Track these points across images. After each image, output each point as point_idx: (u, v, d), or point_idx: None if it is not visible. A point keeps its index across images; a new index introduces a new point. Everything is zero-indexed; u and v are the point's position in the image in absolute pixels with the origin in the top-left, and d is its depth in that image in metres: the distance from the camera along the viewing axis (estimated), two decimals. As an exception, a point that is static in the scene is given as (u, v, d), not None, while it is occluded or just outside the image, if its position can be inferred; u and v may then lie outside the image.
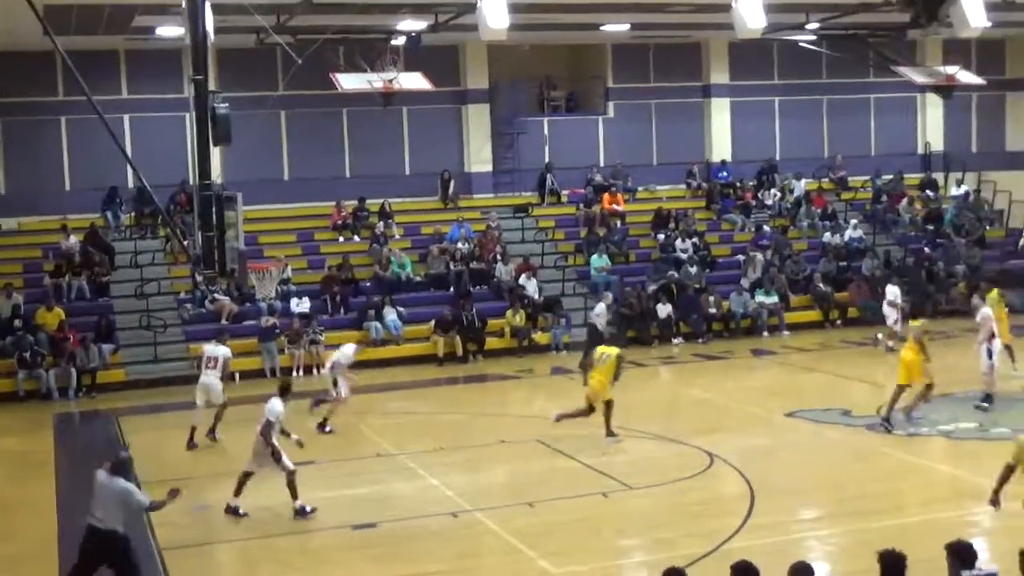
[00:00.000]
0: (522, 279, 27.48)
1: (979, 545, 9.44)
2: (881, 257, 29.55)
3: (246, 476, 14.17)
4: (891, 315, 24.42)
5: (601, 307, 25.12)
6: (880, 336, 24.74)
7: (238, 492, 14.17)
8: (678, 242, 29.21)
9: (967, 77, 26.82)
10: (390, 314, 25.93)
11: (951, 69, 25.73)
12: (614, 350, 17.80)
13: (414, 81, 24.49)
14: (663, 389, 22.69)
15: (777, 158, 33.24)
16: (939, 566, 8.88)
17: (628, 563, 12.65)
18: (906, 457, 16.15)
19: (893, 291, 25.01)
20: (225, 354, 18.77)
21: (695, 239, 29.52)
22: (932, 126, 34.54)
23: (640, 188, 32.05)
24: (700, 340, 26.46)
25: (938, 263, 29.57)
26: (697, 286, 27.64)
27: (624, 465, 16.00)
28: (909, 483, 15.07)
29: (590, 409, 17.34)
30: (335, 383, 18.98)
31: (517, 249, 29.02)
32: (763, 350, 25.46)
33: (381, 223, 28.95)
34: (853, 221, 31.24)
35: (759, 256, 28.76)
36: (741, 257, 29.18)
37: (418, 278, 27.76)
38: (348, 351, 19.52)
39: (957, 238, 31.11)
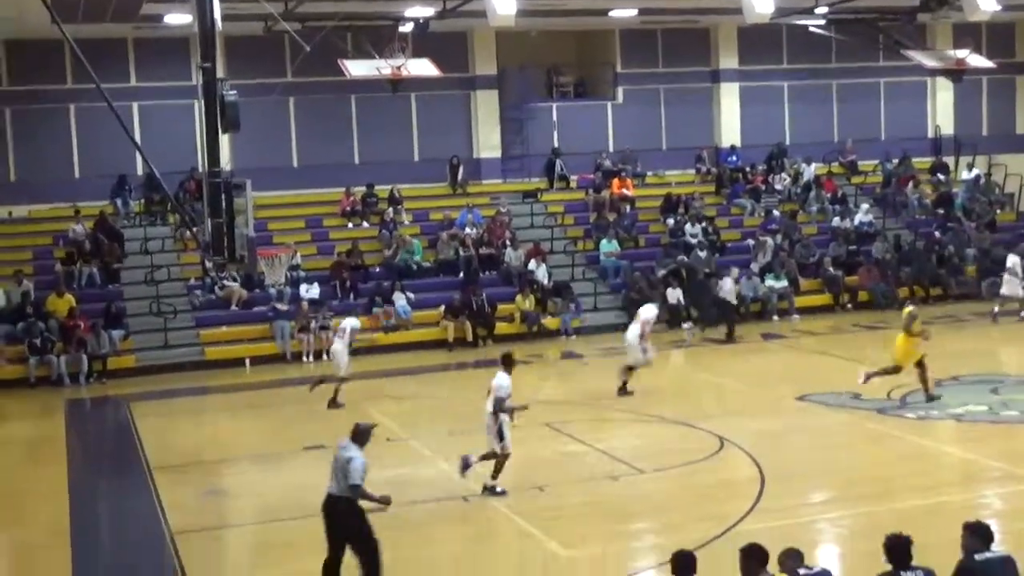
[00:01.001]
0: (531, 264, 27.48)
1: (993, 526, 9.46)
2: (891, 241, 29.49)
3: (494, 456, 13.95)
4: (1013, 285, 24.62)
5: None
6: (996, 309, 24.87)
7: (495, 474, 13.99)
8: (687, 227, 29.17)
9: (977, 61, 26.73)
10: (400, 300, 25.96)
11: (961, 53, 25.67)
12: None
13: (422, 67, 24.51)
14: (672, 373, 22.66)
15: (787, 143, 33.17)
16: (947, 550, 8.91)
17: (638, 546, 12.65)
18: (916, 440, 16.13)
19: (1013, 259, 25.25)
20: (352, 325, 19.43)
21: (704, 224, 29.49)
22: (942, 110, 34.43)
23: (649, 173, 32.00)
24: (709, 326, 26.33)
25: (948, 247, 29.49)
26: (707, 271, 27.59)
27: (634, 449, 16.02)
28: (918, 466, 15.02)
29: (897, 368, 17.81)
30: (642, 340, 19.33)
31: (526, 234, 29.02)
32: (773, 334, 25.43)
33: (390, 209, 28.96)
34: (863, 205, 31.17)
35: (769, 240, 28.73)
36: (751, 242, 29.14)
37: (427, 264, 27.79)
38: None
39: (967, 222, 31.03)
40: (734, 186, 31.85)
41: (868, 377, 18.00)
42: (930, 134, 34.48)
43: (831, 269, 28.23)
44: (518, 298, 26.38)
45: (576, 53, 33.53)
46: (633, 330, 19.72)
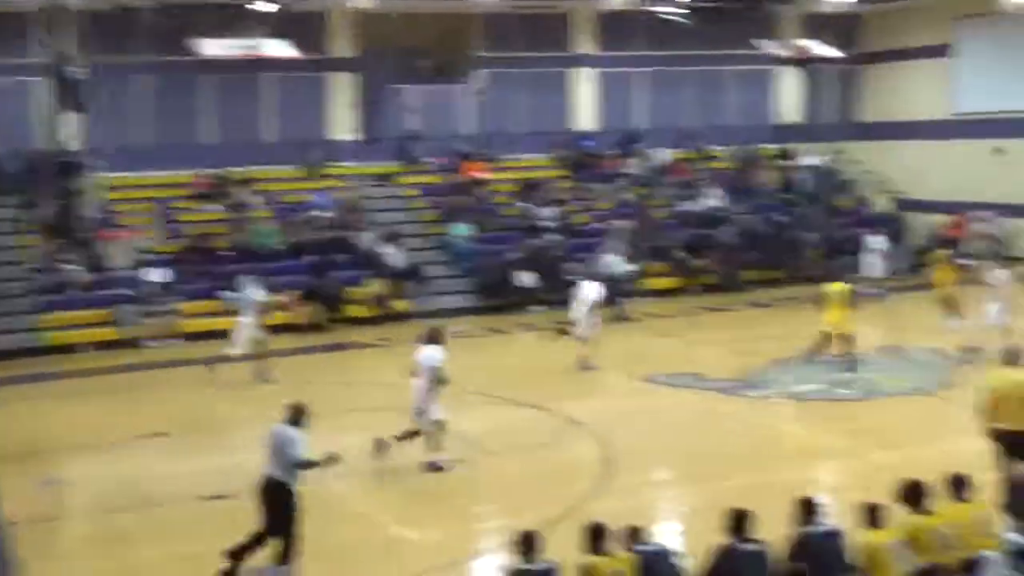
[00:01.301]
0: (384, 247, 27.30)
1: (825, 500, 9.79)
2: (738, 225, 30.14)
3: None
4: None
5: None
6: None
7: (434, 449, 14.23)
8: (541, 210, 29.35)
9: (822, 50, 27.53)
10: (250, 283, 25.48)
11: (807, 42, 26.33)
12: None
13: (278, 48, 24.15)
14: (522, 355, 22.78)
15: (640, 128, 33.60)
16: (783, 523, 9.19)
17: (483, 527, 12.74)
18: (756, 418, 16.58)
19: (876, 240, 26.66)
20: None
21: (559, 208, 29.71)
22: (788, 97, 35.29)
23: (505, 157, 32.08)
24: (560, 308, 26.55)
25: (792, 230, 30.29)
26: (559, 254, 27.79)
27: (481, 431, 16.05)
28: (758, 444, 15.44)
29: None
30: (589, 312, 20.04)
31: (380, 217, 28.81)
32: (623, 317, 25.74)
33: (242, 191, 28.44)
34: (712, 190, 31.76)
35: (621, 225, 29.07)
36: (603, 226, 29.46)
37: (280, 247, 27.37)
38: (597, 287, 20.51)
39: (811, 206, 31.89)
40: (588, 171, 32.15)
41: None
42: (776, 121, 35.32)
43: (680, 253, 28.73)
44: (370, 281, 26.21)
45: (436, 37, 33.37)
46: (580, 308, 20.35)
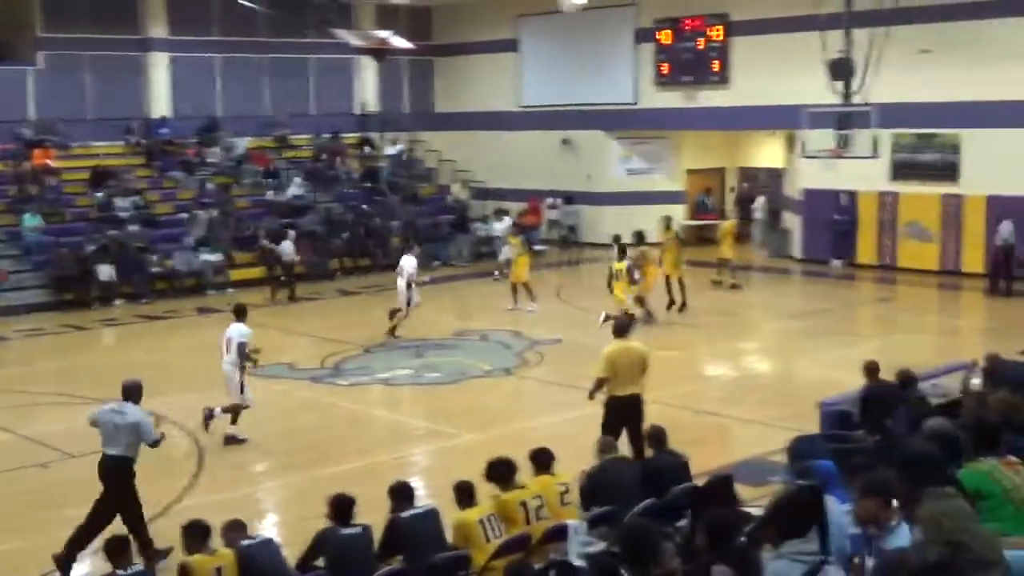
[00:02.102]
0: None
1: (416, 483, 10.11)
2: (323, 213, 30.36)
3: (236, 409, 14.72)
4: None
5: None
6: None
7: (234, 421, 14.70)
8: (118, 200, 28.19)
9: (398, 42, 28.20)
10: None
11: (384, 34, 26.89)
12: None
13: None
14: (106, 353, 21.87)
15: (219, 115, 33.01)
16: (383, 506, 9.42)
17: (71, 534, 12.11)
18: (349, 405, 16.82)
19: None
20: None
21: (136, 197, 28.66)
22: (367, 87, 35.89)
23: (75, 144, 30.46)
24: (144, 300, 25.78)
25: (376, 219, 30.89)
26: (140, 245, 26.85)
27: (63, 434, 15.23)
28: (352, 430, 15.70)
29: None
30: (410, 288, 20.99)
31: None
32: (209, 308, 25.28)
33: None
34: (295, 179, 31.77)
35: (202, 214, 28.50)
36: (185, 215, 28.75)
37: None
38: (413, 261, 21.42)
39: (392, 195, 32.65)
40: (166, 159, 31.21)
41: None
42: (357, 110, 35.83)
43: (265, 242, 28.54)
44: (-71, 278, 24.21)
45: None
46: (400, 282, 21.23)
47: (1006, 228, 24.61)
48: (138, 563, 8.36)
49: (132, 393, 11.28)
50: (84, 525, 10.78)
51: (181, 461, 14.03)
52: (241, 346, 14.58)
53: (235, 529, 9.14)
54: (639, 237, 22.37)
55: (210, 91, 33.07)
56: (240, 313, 15.13)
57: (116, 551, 8.50)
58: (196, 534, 8.78)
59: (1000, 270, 24.61)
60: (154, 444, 11.15)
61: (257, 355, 14.96)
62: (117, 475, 10.95)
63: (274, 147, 33.69)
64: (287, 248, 26.64)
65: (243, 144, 32.47)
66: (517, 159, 34.69)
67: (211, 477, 13.42)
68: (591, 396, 12.54)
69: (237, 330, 14.77)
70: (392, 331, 21.10)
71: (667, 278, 22.89)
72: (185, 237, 27.89)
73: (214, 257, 27.39)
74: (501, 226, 30.21)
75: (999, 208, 25.21)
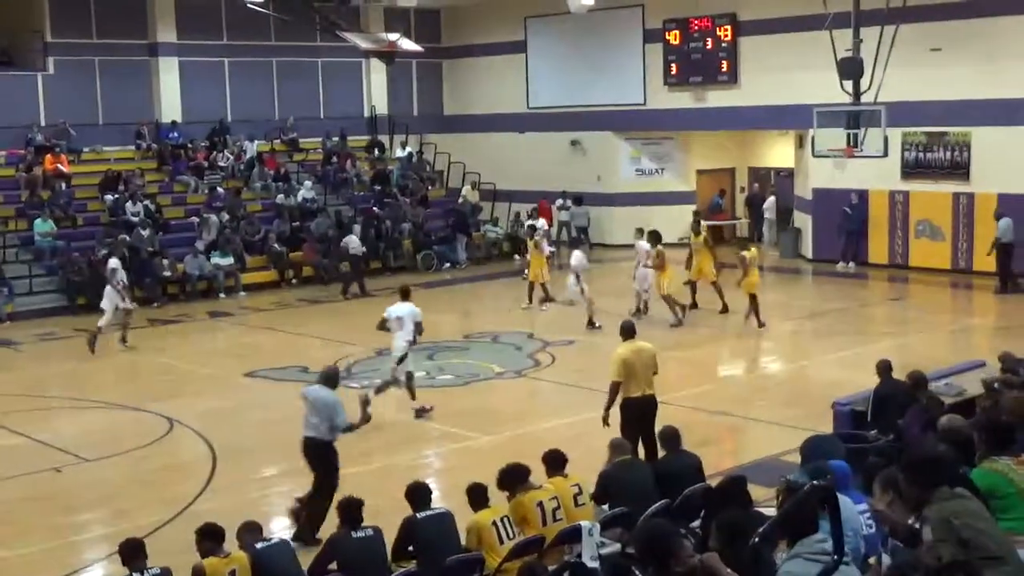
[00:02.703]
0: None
1: (431, 485, 10.13)
2: (333, 217, 30.40)
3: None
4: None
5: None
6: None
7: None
8: (128, 204, 28.27)
9: (407, 44, 28.19)
10: None
11: (392, 36, 26.89)
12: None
13: None
14: (118, 356, 21.92)
15: (229, 119, 33.08)
16: (397, 508, 9.45)
17: (85, 538, 12.17)
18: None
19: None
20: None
21: (146, 202, 28.74)
22: (377, 90, 35.92)
23: (86, 149, 30.60)
24: (155, 304, 25.82)
25: (386, 221, 30.91)
26: (151, 249, 26.92)
27: (78, 437, 15.35)
28: (366, 432, 15.52)
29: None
30: (577, 280, 22.09)
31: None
32: (220, 312, 25.35)
33: None
34: (306, 182, 31.84)
35: (213, 218, 28.56)
36: (195, 219, 28.82)
37: None
38: (581, 255, 22.53)
39: (403, 197, 32.68)
40: (176, 163, 31.28)
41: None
42: (366, 113, 35.86)
43: (276, 245, 28.61)
44: (-58, 284, 24.28)
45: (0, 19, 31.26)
46: (570, 279, 22.42)
47: (1004, 225, 24.57)
48: (154, 567, 8.37)
49: (330, 380, 12.02)
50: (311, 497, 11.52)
51: (195, 465, 14.07)
52: (418, 324, 15.80)
53: (250, 531, 9.16)
54: (655, 238, 22.28)
55: (219, 95, 33.13)
56: (406, 294, 16.31)
57: (130, 554, 8.51)
58: (210, 537, 8.80)
59: (1003, 268, 24.57)
60: (347, 429, 11.79)
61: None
62: (314, 454, 11.68)
63: (284, 150, 33.75)
64: (353, 242, 27.15)
65: (253, 148, 32.54)
66: (526, 161, 34.69)
67: (223, 481, 13.44)
68: (607, 412, 12.40)
69: (408, 308, 15.86)
70: (590, 322, 21.54)
71: (694, 283, 22.79)
72: (196, 241, 27.95)
73: (225, 261, 27.44)
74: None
75: (1005, 206, 25.12)
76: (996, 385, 11.53)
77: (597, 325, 21.31)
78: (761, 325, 21.06)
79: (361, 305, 25.84)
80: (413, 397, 15.91)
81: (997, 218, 24.84)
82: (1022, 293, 24.05)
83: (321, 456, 11.60)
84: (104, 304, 20.75)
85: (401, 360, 15.75)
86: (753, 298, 21.13)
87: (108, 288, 20.84)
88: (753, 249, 21.96)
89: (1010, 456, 7.03)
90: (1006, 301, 23.78)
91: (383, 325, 15.95)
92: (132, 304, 21.47)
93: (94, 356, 20.29)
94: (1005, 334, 19.59)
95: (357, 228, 28.07)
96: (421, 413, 15.84)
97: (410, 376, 15.97)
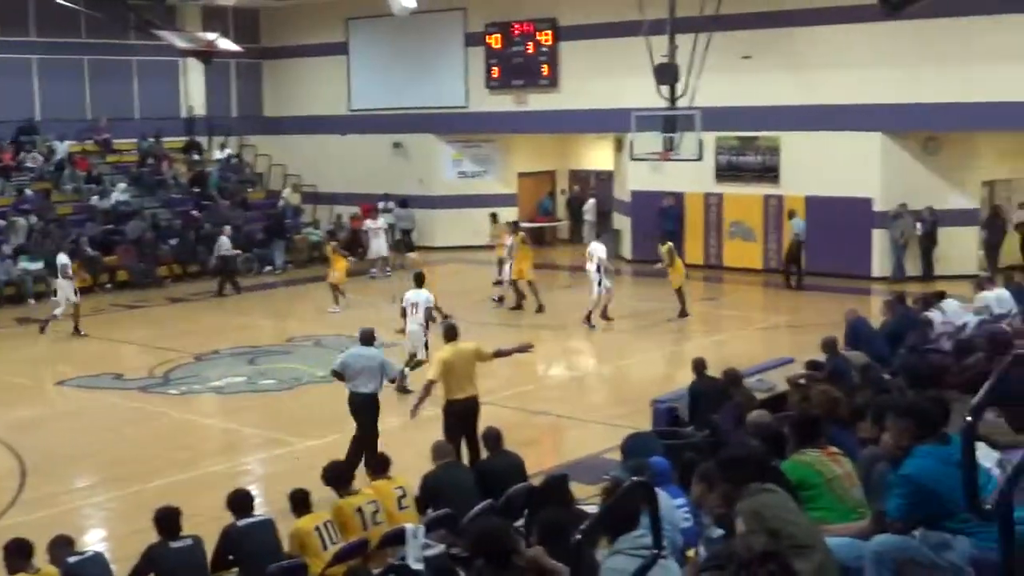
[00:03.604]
0: None
1: (253, 492, 9.97)
2: (149, 220, 29.59)
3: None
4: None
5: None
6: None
7: None
8: (-71, 207, 27.00)
9: (225, 44, 27.67)
10: None
11: (210, 36, 26.37)
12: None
13: None
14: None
15: (38, 118, 31.86)
16: (216, 517, 9.26)
17: None
18: (179, 415, 16.44)
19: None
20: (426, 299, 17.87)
21: (-54, 204, 27.51)
22: (194, 90, 35.13)
23: None
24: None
25: (205, 224, 30.26)
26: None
27: None
28: (183, 440, 15.31)
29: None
30: (600, 272, 21.57)
31: None
32: (30, 318, 24.39)
33: None
34: (120, 184, 30.90)
35: (21, 221, 27.48)
36: (2, 222, 27.66)
37: None
38: (602, 247, 22.08)
39: (222, 200, 32.03)
40: (-15, 164, 29.98)
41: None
42: (183, 114, 35.03)
43: (89, 249, 27.68)
44: None
45: None
46: (590, 267, 21.88)
47: (797, 224, 25.83)
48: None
49: (369, 338, 13.14)
50: (350, 454, 12.27)
51: (3, 478, 13.51)
52: (428, 310, 16.87)
53: (61, 545, 8.85)
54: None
55: (27, 93, 31.84)
56: (420, 280, 17.37)
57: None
58: (17, 553, 8.46)
59: (791, 265, 25.86)
60: (393, 380, 13.46)
61: (439, 313, 17.49)
62: (367, 409, 12.80)
63: (97, 151, 32.69)
64: (224, 243, 26.97)
65: (64, 148, 31.40)
66: (349, 163, 34.46)
67: (33, 494, 12.95)
68: (416, 409, 12.53)
69: (421, 295, 17.02)
70: (588, 318, 21.67)
71: (515, 282, 23.21)
72: (3, 245, 26.83)
73: (35, 266, 26.41)
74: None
75: (812, 208, 26.26)
76: (801, 380, 11.99)
77: (601, 321, 21.84)
78: (684, 315, 22.27)
79: (177, 310, 25.29)
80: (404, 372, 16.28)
81: (790, 217, 26.13)
82: (811, 289, 25.11)
83: (370, 409, 12.83)
84: None
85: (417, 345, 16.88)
86: (679, 291, 22.05)
87: None
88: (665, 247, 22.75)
89: (818, 449, 7.31)
90: (800, 297, 24.75)
91: (403, 312, 17.10)
92: None
93: None
94: (814, 331, 20.33)
95: (228, 229, 27.45)
96: (403, 386, 16.16)
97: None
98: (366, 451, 12.14)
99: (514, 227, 24.38)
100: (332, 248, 25.26)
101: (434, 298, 17.33)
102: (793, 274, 25.76)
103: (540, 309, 23.09)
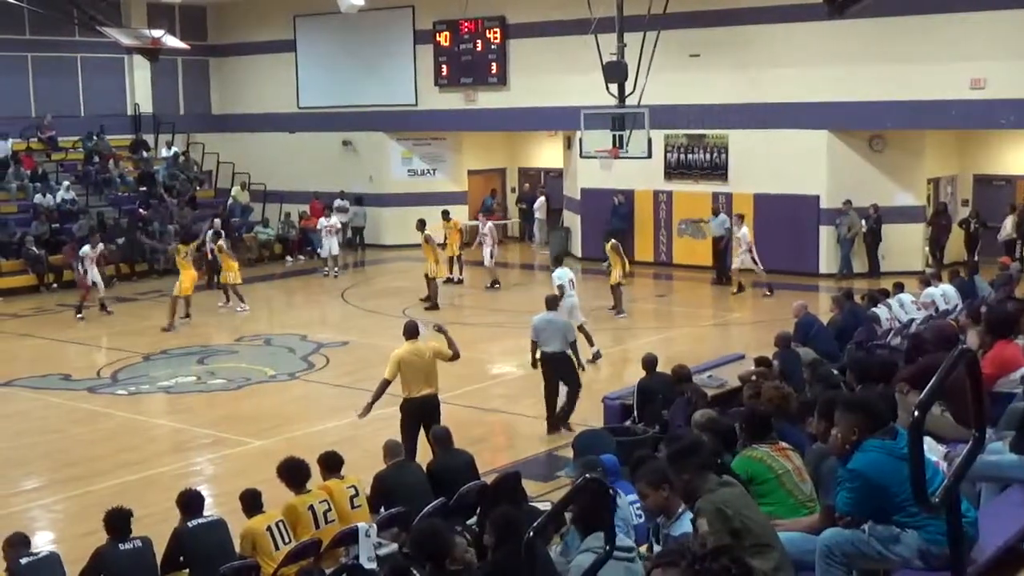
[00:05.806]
0: None
1: (204, 492, 9.92)
2: (95, 218, 29.28)
3: None
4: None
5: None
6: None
7: None
8: None
9: (172, 41, 27.39)
10: None
11: (156, 33, 26.09)
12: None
13: None
14: None
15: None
16: (166, 517, 9.20)
17: None
18: (128, 416, 16.29)
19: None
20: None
21: None
22: (141, 88, 34.76)
23: None
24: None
25: (153, 223, 29.98)
26: None
27: None
28: (132, 441, 15.18)
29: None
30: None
31: None
32: (-26, 319, 24.09)
33: None
34: (65, 182, 30.55)
35: (-35, 220, 27.13)
36: (-56, 222, 27.30)
37: None
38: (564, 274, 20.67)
39: (169, 198, 31.74)
40: (-79, 161, 29.52)
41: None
42: (130, 111, 34.68)
43: (34, 248, 27.36)
44: None
45: None
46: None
47: (715, 222, 26.45)
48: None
49: (554, 303, 15.29)
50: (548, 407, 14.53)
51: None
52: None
53: (15, 545, 8.78)
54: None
55: (-32, 90, 31.40)
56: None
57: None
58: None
59: (717, 263, 26.46)
60: (573, 343, 14.67)
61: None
62: (560, 365, 14.52)
63: (41, 149, 32.28)
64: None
65: (7, 146, 30.99)
66: (298, 161, 34.28)
67: (-19, 496, 12.80)
68: (368, 407, 12.55)
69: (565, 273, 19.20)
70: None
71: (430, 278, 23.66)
72: (-55, 244, 26.48)
73: (-23, 265, 26.09)
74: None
75: (759, 205, 26.52)
76: (754, 377, 12.11)
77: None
78: (620, 313, 22.35)
79: (126, 308, 25.04)
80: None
81: (715, 214, 26.76)
82: (729, 285, 25.33)
83: (558, 365, 14.55)
84: None
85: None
86: (615, 288, 22.19)
87: None
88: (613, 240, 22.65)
89: (768, 444, 7.39)
90: (747, 294, 24.93)
91: (560, 290, 18.13)
92: None
93: None
94: (767, 327, 20.53)
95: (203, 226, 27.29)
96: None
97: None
98: (567, 401, 14.51)
99: (420, 225, 24.72)
100: (219, 248, 24.85)
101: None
102: (723, 273, 26.04)
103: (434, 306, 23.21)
